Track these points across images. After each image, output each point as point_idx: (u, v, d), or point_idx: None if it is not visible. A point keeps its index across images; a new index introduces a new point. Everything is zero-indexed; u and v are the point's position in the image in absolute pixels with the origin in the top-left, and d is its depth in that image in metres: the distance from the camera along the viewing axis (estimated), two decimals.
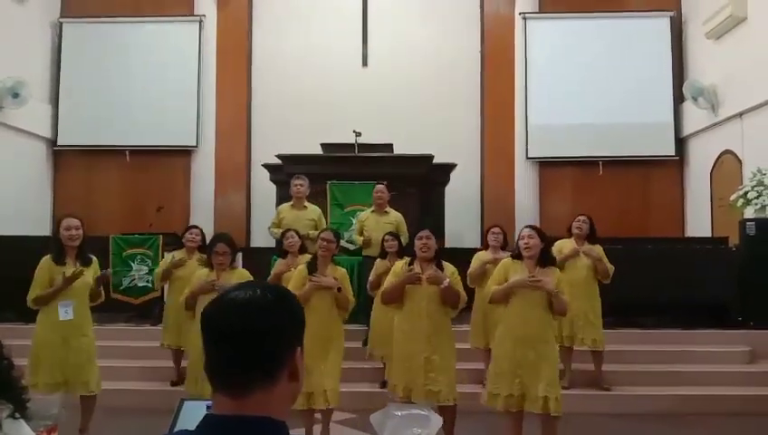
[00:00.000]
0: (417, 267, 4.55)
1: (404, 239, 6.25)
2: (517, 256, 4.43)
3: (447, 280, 4.42)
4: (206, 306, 1.19)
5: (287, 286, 4.57)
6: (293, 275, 4.89)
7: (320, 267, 4.77)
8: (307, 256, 5.49)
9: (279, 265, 5.81)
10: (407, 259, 4.70)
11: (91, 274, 4.73)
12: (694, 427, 5.64)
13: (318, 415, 4.81)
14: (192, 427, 1.17)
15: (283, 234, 6.09)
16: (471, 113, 10.61)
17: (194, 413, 1.88)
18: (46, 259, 4.66)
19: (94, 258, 4.87)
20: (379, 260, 5.95)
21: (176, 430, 1.76)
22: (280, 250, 6.03)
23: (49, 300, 4.60)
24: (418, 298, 4.50)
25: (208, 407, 1.22)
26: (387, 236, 5.98)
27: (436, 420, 1.90)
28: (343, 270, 4.91)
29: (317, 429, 4.84)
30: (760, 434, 5.44)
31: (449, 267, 4.62)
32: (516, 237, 4.67)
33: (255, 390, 1.13)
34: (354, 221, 7.20)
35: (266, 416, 1.13)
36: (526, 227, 4.56)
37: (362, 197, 7.51)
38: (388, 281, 4.67)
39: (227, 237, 5.06)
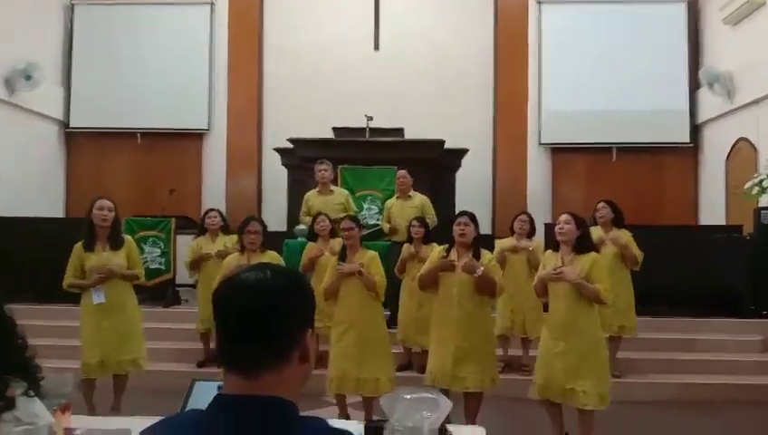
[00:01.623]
0: (453, 254, 4.51)
1: (431, 221, 6.26)
2: (557, 245, 4.37)
3: (481, 269, 4.35)
4: (219, 287, 1.20)
5: (321, 272, 4.63)
6: (328, 269, 4.89)
7: (348, 255, 4.79)
8: (339, 241, 5.52)
9: (311, 248, 5.87)
10: (445, 246, 4.64)
11: (124, 254, 4.78)
12: (706, 415, 5.62)
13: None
14: (202, 406, 1.18)
15: (314, 218, 6.11)
16: (483, 98, 10.53)
17: (205, 393, 1.89)
18: (77, 246, 4.73)
19: (128, 238, 4.97)
20: (405, 245, 5.95)
21: (187, 409, 1.78)
22: (311, 234, 6.05)
23: (85, 288, 4.71)
24: (450, 285, 4.46)
25: (219, 387, 1.23)
26: (413, 222, 5.94)
27: (446, 404, 1.90)
28: (373, 253, 4.88)
29: (324, 413, 4.86)
30: None
31: (486, 255, 4.56)
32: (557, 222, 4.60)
33: (266, 370, 1.14)
34: (365, 206, 7.23)
35: (277, 396, 1.13)
36: (564, 213, 4.44)
37: (373, 181, 7.51)
38: (425, 267, 4.65)
39: (259, 218, 5.13)
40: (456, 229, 4.51)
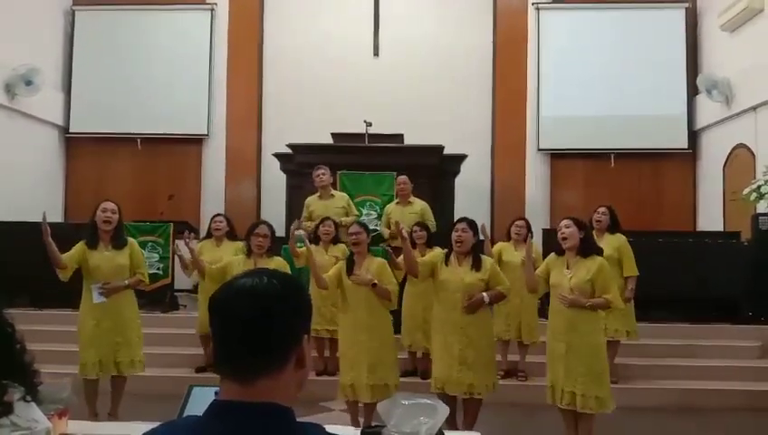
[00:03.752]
0: (452, 259, 4.53)
1: (431, 226, 6.26)
2: (561, 250, 4.36)
3: (486, 296, 4.40)
4: (215, 292, 1.20)
5: (323, 274, 4.62)
6: (330, 271, 4.83)
7: (357, 262, 4.69)
8: (341, 247, 5.50)
9: (313, 256, 5.81)
10: (444, 251, 4.66)
11: (127, 254, 4.83)
12: (704, 421, 5.61)
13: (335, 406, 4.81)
14: (200, 412, 1.18)
15: (321, 221, 6.06)
16: (482, 104, 10.56)
17: (202, 399, 1.90)
18: (80, 243, 4.77)
19: (131, 240, 4.99)
20: None
21: (184, 415, 1.78)
22: (314, 237, 6.03)
23: (56, 261, 4.65)
24: (454, 289, 4.46)
25: (216, 393, 1.23)
26: (415, 228, 5.96)
27: (443, 410, 1.90)
28: (382, 260, 4.79)
29: (326, 417, 4.86)
30: None
31: (487, 261, 4.59)
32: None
33: (262, 376, 1.14)
34: (364, 211, 7.23)
35: (273, 402, 1.13)
36: (564, 218, 4.46)
37: (373, 187, 7.52)
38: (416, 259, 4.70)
39: (268, 223, 5.12)
40: (454, 235, 4.52)
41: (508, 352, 6.27)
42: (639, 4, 10.39)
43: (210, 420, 1.14)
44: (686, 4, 10.22)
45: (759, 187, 7.32)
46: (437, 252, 4.83)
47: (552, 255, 4.48)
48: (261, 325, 1.14)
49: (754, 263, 7.02)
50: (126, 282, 4.80)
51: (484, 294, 4.40)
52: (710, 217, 9.60)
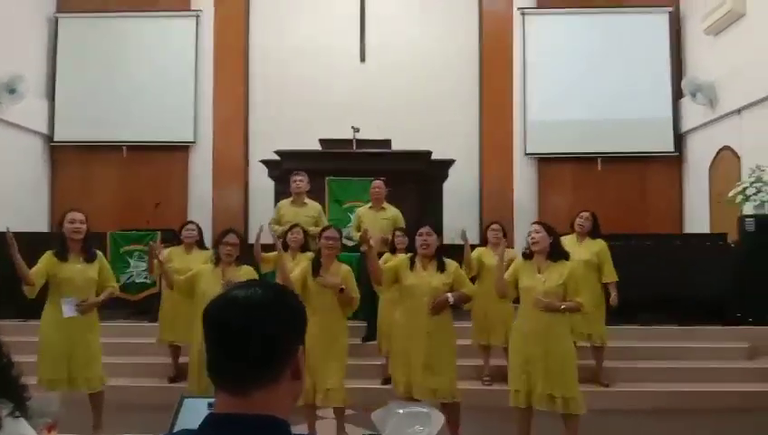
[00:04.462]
0: (417, 263, 4.55)
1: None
2: (529, 254, 4.42)
3: (450, 297, 4.45)
4: (208, 305, 1.19)
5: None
6: (296, 271, 4.81)
7: (324, 265, 4.69)
8: (308, 255, 5.46)
9: (284, 260, 5.77)
10: (409, 255, 4.71)
11: (96, 268, 4.72)
12: (693, 423, 5.63)
13: (326, 413, 4.78)
14: (192, 424, 1.17)
15: (291, 227, 6.00)
16: (469, 109, 10.59)
17: (194, 410, 1.87)
18: (48, 254, 4.63)
19: (99, 253, 4.87)
20: (387, 255, 5.90)
21: (177, 428, 1.75)
22: (283, 244, 5.97)
23: (25, 278, 4.51)
24: (420, 295, 4.48)
25: (210, 404, 1.21)
26: (397, 232, 5.99)
27: (438, 418, 1.89)
28: (348, 267, 4.82)
29: (320, 425, 4.82)
30: (759, 430, 5.44)
31: (451, 264, 4.62)
32: (523, 234, 4.67)
33: (258, 388, 1.13)
34: (352, 217, 7.19)
35: (269, 415, 1.12)
36: (534, 222, 4.58)
37: (361, 193, 7.50)
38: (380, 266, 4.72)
39: (238, 231, 5.05)
40: (419, 240, 4.56)
41: (490, 356, 6.25)
42: (623, 8, 10.47)
43: (206, 433, 1.13)
44: (670, 9, 10.32)
45: (744, 189, 7.40)
46: (401, 257, 4.84)
47: (519, 259, 4.53)
48: (255, 337, 1.13)
49: (741, 264, 7.07)
50: (101, 298, 4.71)
51: (449, 294, 4.45)
52: (696, 220, 9.68)
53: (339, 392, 4.54)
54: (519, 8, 10.47)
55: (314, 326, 4.56)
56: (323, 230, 4.95)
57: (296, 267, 4.91)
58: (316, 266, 4.67)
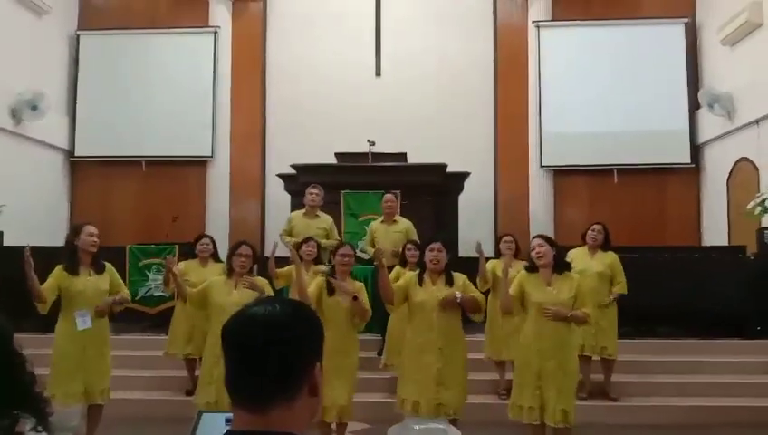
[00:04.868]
0: (426, 278, 4.57)
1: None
2: (533, 268, 4.43)
3: (458, 294, 4.43)
4: (226, 322, 1.21)
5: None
6: (312, 286, 4.80)
7: (337, 280, 4.73)
8: (322, 267, 5.47)
9: (301, 272, 5.77)
10: (417, 272, 4.71)
11: (106, 280, 4.76)
12: None
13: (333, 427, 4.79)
14: None
15: (305, 240, 6.01)
16: (484, 122, 10.61)
17: (212, 425, 1.89)
18: (58, 268, 4.67)
19: (108, 264, 4.89)
20: (398, 268, 5.91)
21: None
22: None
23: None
24: (429, 310, 4.48)
25: (227, 420, 1.23)
26: (409, 245, 5.94)
27: (454, 434, 1.90)
28: (361, 284, 4.86)
29: None
30: None
31: (459, 277, 4.62)
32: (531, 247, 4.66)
33: (276, 405, 1.14)
34: (367, 229, 7.23)
35: (287, 431, 1.13)
36: (535, 237, 4.59)
37: (376, 206, 7.51)
38: (392, 284, 4.71)
39: (250, 242, 5.08)
40: (429, 255, 4.56)
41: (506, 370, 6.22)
42: (639, 20, 10.45)
43: None
44: (686, 20, 10.28)
45: (763, 200, 7.31)
46: (409, 275, 4.81)
47: (523, 272, 4.50)
48: (273, 354, 1.14)
49: (761, 277, 6.98)
50: (117, 297, 4.74)
51: (457, 292, 4.44)
52: (715, 232, 9.58)
53: (347, 410, 4.57)
54: (534, 21, 10.49)
55: (327, 342, 4.60)
56: (338, 247, 4.98)
57: (311, 282, 4.93)
58: (330, 286, 4.69)
